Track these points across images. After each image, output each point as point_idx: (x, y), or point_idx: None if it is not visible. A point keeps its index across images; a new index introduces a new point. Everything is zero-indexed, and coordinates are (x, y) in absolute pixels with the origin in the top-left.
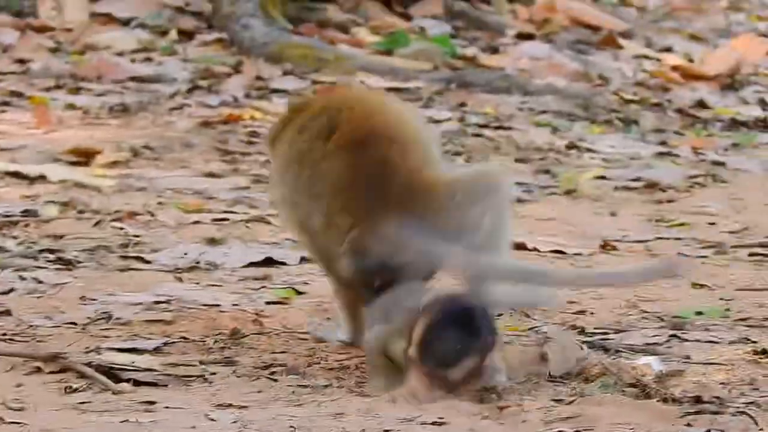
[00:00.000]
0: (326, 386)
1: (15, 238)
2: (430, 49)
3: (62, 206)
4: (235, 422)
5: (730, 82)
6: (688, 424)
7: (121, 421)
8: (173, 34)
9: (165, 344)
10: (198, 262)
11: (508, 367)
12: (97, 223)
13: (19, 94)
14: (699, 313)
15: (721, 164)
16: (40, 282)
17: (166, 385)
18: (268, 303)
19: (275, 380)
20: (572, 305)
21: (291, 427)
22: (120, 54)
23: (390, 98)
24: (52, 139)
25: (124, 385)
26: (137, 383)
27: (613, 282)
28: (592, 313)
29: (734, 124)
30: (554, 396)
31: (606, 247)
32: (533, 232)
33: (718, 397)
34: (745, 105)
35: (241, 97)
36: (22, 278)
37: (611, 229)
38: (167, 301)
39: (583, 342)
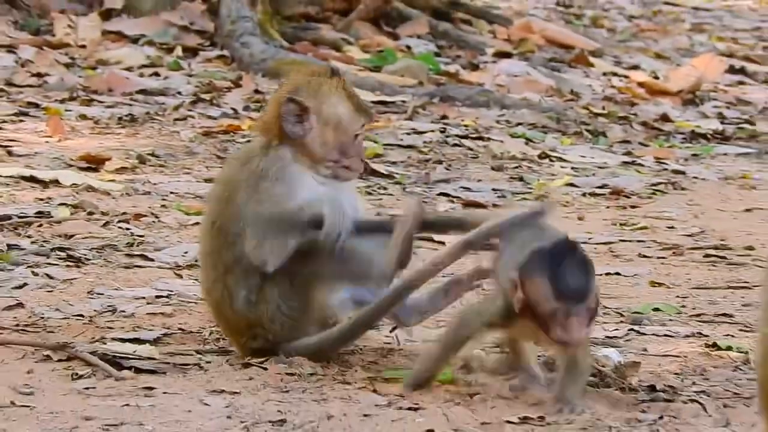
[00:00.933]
0: (312, 374)
1: (29, 237)
2: (415, 66)
3: (73, 208)
4: (227, 407)
5: (692, 98)
6: (643, 411)
7: (123, 405)
8: (178, 51)
9: (165, 335)
10: (197, 260)
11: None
12: (105, 224)
13: (35, 105)
14: (656, 310)
15: (682, 173)
16: (51, 277)
17: (164, 373)
18: None
19: (265, 369)
20: None
21: (279, 411)
22: (129, 69)
23: None
24: (65, 146)
25: (126, 373)
26: (138, 371)
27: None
28: None
29: (694, 136)
30: None
31: None
32: None
33: (671, 386)
34: (705, 119)
35: (240, 109)
36: (35, 274)
37: (578, 232)
38: (168, 296)
39: None
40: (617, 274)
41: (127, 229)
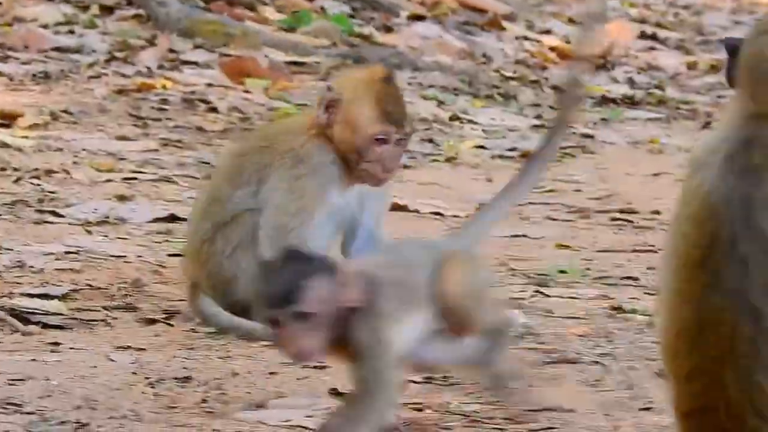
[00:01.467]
0: (217, 332)
1: None
2: (329, 27)
3: None
4: (133, 363)
5: (603, 63)
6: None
7: (29, 360)
8: (94, 9)
9: (73, 291)
10: (107, 217)
11: None
12: (16, 180)
13: None
14: (562, 272)
15: (590, 137)
16: None
17: (71, 329)
18: (169, 255)
19: (171, 326)
20: None
21: (184, 368)
22: (45, 26)
23: None
24: None
25: (33, 327)
26: (45, 326)
27: None
28: None
29: (604, 100)
30: None
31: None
32: (416, 196)
33: (575, 348)
34: (615, 83)
35: (154, 68)
36: None
37: (487, 194)
38: (77, 252)
39: None
40: (524, 236)
41: (38, 185)
